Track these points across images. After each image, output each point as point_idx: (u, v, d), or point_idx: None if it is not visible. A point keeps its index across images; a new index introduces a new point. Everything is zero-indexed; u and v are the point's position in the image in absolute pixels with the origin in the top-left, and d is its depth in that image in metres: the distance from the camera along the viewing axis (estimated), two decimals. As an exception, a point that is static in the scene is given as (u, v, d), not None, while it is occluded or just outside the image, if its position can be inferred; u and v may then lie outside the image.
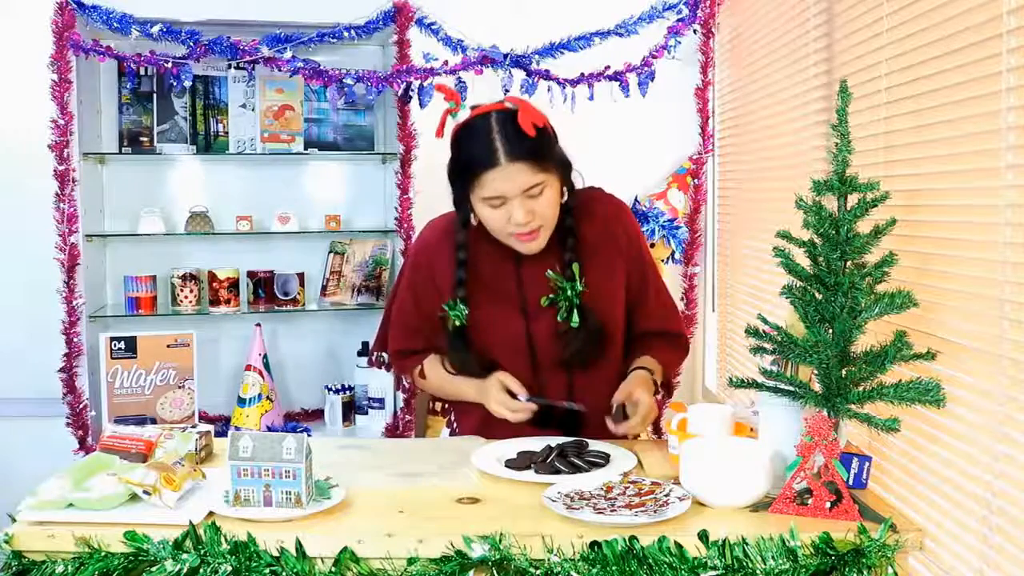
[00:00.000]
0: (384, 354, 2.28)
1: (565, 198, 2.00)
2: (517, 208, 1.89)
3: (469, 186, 1.91)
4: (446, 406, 2.26)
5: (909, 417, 1.85)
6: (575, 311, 1.98)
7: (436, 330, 2.12)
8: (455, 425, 2.23)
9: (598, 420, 1.99)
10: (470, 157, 1.90)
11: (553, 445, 1.86)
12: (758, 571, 1.41)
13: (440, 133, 2.02)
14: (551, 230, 1.98)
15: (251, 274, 3.35)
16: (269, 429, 3.16)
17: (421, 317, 2.15)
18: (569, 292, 1.99)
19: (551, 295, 2.00)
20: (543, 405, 1.99)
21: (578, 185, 2.04)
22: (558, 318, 2.00)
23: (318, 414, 3.45)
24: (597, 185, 2.15)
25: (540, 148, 1.89)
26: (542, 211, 1.92)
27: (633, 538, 1.43)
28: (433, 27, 3.08)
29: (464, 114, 1.96)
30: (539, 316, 2.03)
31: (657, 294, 2.17)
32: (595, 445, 1.89)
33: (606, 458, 1.82)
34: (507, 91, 3.06)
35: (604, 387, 2.03)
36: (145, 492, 1.56)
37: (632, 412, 1.96)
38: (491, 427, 2.04)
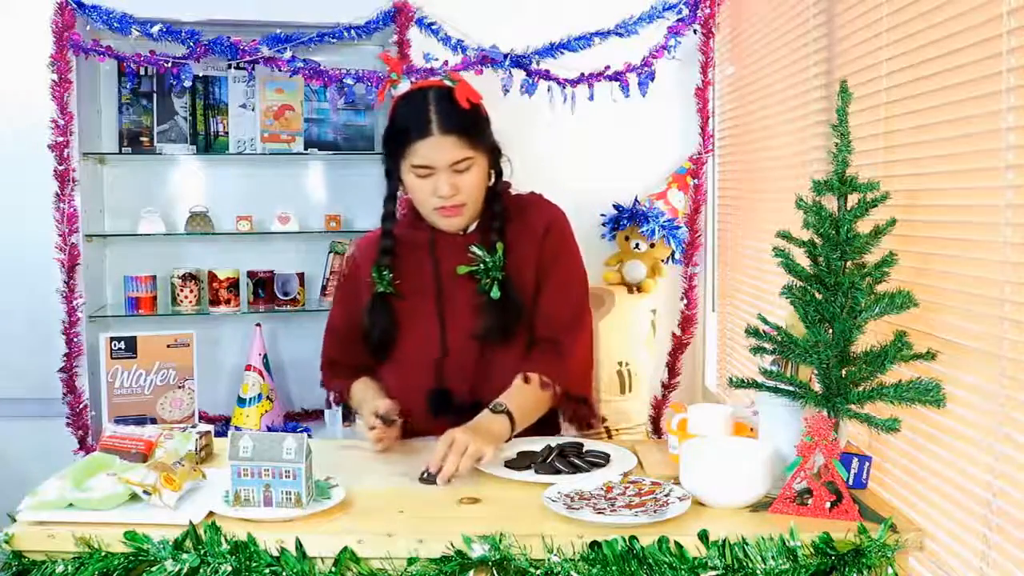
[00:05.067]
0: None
1: (492, 182, 2.06)
2: (443, 180, 1.96)
3: (401, 153, 1.99)
4: None
5: (909, 417, 1.85)
6: (495, 284, 2.02)
7: (360, 338, 2.12)
8: None
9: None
10: (405, 125, 1.98)
11: (553, 445, 1.86)
12: (758, 571, 1.41)
13: (381, 99, 2.08)
14: (475, 210, 2.05)
15: (251, 274, 3.35)
16: (269, 429, 3.16)
17: (348, 325, 2.16)
18: (490, 264, 2.02)
19: (471, 266, 2.04)
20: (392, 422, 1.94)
21: (507, 173, 2.08)
22: (478, 290, 2.03)
23: (318, 414, 3.45)
24: (538, 185, 2.18)
25: (471, 126, 1.98)
26: (466, 187, 1.99)
27: (633, 538, 1.43)
28: (433, 27, 3.09)
29: (404, 86, 2.07)
30: (455, 291, 2.06)
31: (551, 301, 2.08)
32: (595, 445, 1.89)
33: (606, 458, 1.83)
34: (507, 91, 3.07)
35: (510, 367, 2.01)
36: (145, 492, 1.56)
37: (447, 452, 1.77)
38: None
